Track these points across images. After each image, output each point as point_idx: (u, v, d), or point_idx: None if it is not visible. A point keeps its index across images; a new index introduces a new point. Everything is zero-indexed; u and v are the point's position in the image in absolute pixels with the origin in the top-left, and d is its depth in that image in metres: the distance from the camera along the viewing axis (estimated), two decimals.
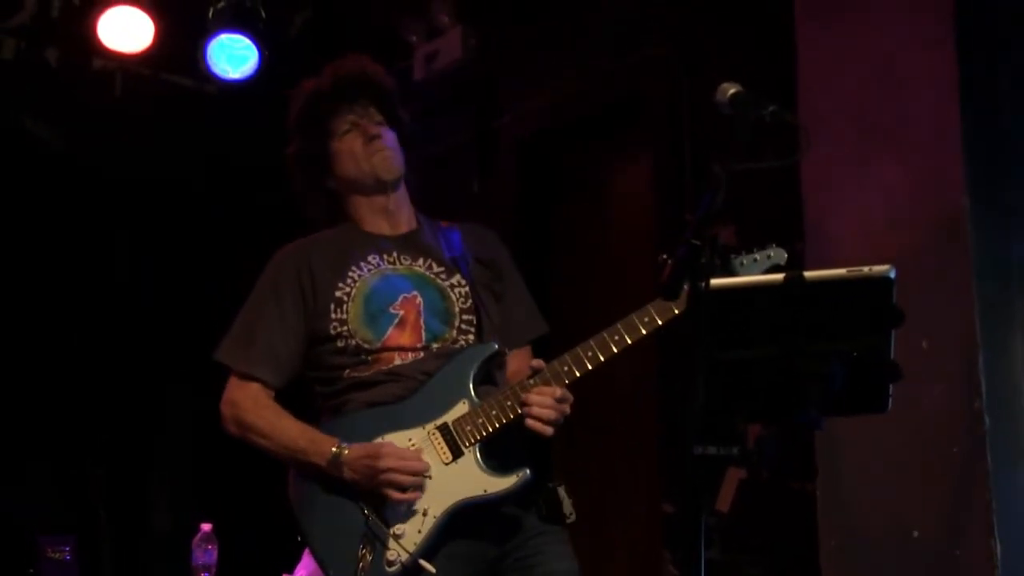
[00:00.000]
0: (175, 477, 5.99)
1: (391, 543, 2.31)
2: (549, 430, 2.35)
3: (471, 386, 2.42)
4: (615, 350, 2.35)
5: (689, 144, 3.97)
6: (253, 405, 2.50)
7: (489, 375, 2.49)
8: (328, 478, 2.38)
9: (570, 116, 4.56)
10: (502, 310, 2.61)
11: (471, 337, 2.50)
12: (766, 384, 1.83)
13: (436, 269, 2.57)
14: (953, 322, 2.88)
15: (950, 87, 3.00)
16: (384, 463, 2.32)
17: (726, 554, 3.51)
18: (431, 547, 2.33)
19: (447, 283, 2.55)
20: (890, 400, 1.87)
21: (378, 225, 2.63)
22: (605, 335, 2.36)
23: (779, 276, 1.77)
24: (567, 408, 2.39)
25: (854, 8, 3.29)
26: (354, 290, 2.51)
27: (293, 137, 2.70)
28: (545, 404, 2.34)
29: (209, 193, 5.88)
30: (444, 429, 2.39)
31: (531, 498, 2.42)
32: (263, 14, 4.77)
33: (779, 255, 2.38)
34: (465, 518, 2.35)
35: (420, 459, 2.35)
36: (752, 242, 3.60)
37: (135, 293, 5.87)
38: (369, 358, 2.47)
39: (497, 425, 2.37)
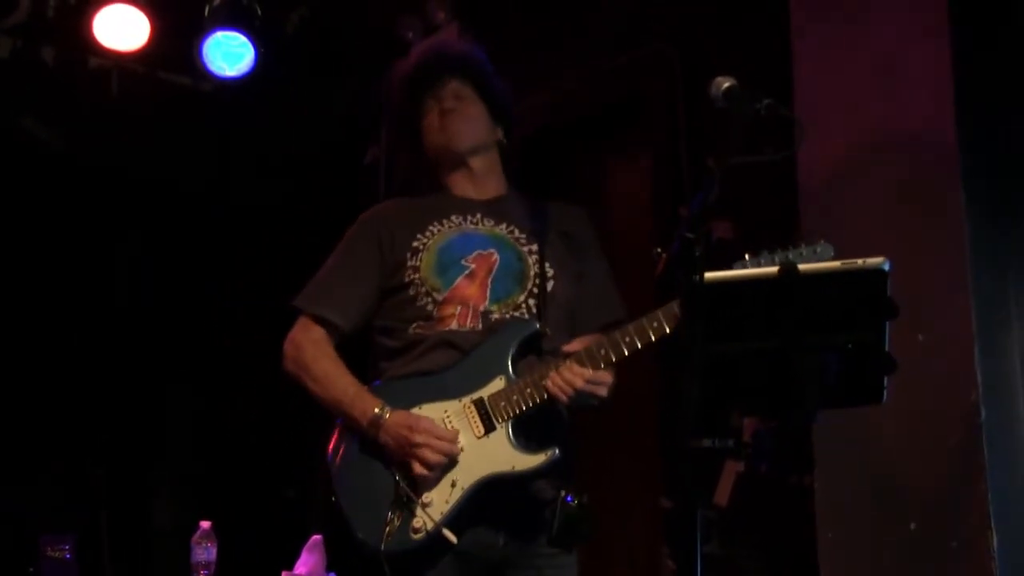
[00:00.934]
0: (175, 475, 6.00)
1: (419, 511, 2.36)
2: (563, 398, 2.37)
3: (509, 362, 2.45)
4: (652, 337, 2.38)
5: (688, 143, 3.97)
6: (313, 349, 2.59)
7: (529, 353, 2.51)
8: (365, 440, 2.46)
9: (568, 114, 4.55)
10: (580, 290, 2.64)
11: (535, 303, 2.53)
12: (762, 377, 1.84)
13: (517, 234, 2.63)
14: (949, 315, 2.89)
15: (946, 82, 3.00)
16: (418, 437, 2.38)
17: (723, 548, 3.51)
18: (456, 518, 2.38)
19: (525, 247, 2.60)
20: (886, 392, 1.88)
21: (464, 189, 2.71)
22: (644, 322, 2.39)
23: (773, 269, 1.77)
24: (598, 390, 2.42)
25: (850, 5, 3.30)
26: (431, 241, 2.58)
27: (391, 121, 2.84)
28: (568, 377, 2.36)
29: (207, 191, 5.88)
30: (480, 403, 2.44)
31: (548, 511, 2.43)
32: (259, 11, 4.77)
33: (826, 251, 2.35)
34: (490, 494, 2.39)
35: (454, 440, 2.40)
36: (748, 237, 3.62)
37: (135, 292, 5.88)
38: (435, 312, 2.52)
39: (530, 404, 2.40)
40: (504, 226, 2.64)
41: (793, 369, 1.77)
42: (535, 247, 2.60)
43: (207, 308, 6.04)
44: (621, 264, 4.35)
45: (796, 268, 1.77)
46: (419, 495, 2.38)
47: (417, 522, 2.36)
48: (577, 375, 2.36)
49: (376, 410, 2.44)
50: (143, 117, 5.30)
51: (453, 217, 2.63)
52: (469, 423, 2.43)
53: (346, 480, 2.48)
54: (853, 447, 3.06)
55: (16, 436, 5.34)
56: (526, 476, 2.39)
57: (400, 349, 2.55)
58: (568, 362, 2.38)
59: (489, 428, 2.41)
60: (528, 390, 2.40)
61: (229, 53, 4.78)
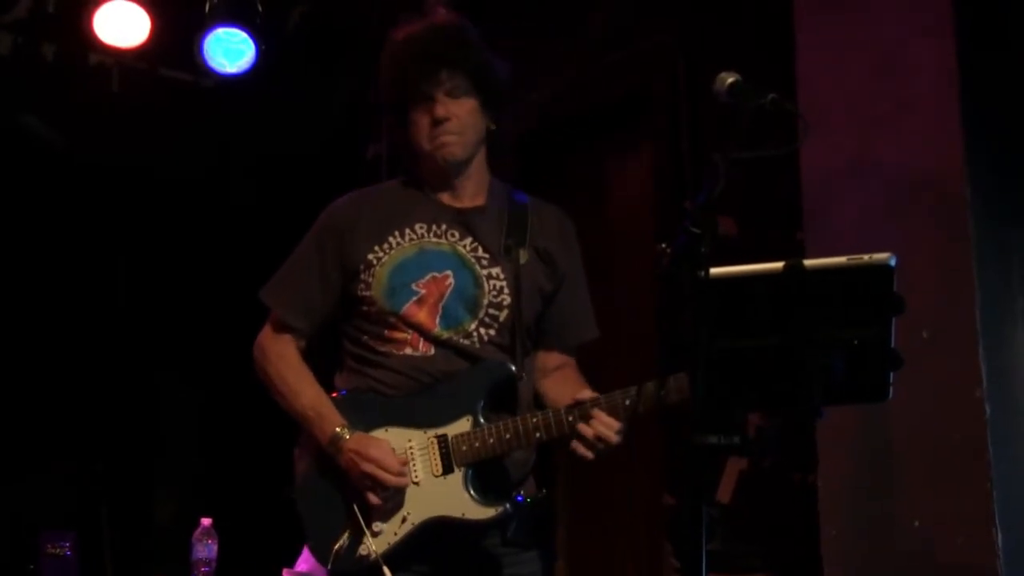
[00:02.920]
0: (176, 472, 5.99)
1: (366, 538, 2.36)
2: (590, 456, 2.32)
3: (479, 406, 2.41)
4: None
5: (690, 138, 3.96)
6: (278, 359, 2.56)
7: (501, 397, 2.46)
8: (328, 456, 2.43)
9: (570, 109, 4.54)
10: (553, 310, 2.57)
11: (492, 332, 2.47)
12: (766, 373, 1.83)
13: (480, 253, 2.51)
14: (953, 311, 2.88)
15: (950, 76, 2.99)
16: (365, 467, 2.35)
17: (727, 545, 3.51)
18: (401, 552, 2.37)
19: (486, 271, 2.49)
20: (891, 389, 1.87)
21: (440, 192, 2.58)
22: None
23: (779, 264, 1.76)
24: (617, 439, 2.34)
25: None
26: (387, 257, 2.49)
27: (379, 85, 2.64)
28: (603, 432, 2.29)
29: (207, 187, 5.87)
30: (443, 441, 2.39)
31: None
32: (260, 8, 4.76)
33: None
34: (439, 533, 2.38)
35: (401, 474, 2.36)
36: (751, 232, 3.61)
37: (134, 288, 5.87)
38: (388, 333, 2.48)
39: (491, 454, 2.37)
40: (469, 241, 2.52)
41: (798, 365, 1.76)
42: (497, 271, 2.49)
43: (208, 304, 6.03)
44: (621, 258, 4.37)
45: (801, 263, 1.76)
46: (370, 522, 2.37)
47: (363, 549, 2.36)
48: (610, 427, 2.29)
49: (337, 429, 2.41)
50: (143, 114, 5.29)
51: (417, 227, 2.52)
52: (430, 459, 2.39)
53: (308, 487, 2.49)
54: (856, 443, 3.05)
55: (16, 433, 5.33)
56: (474, 527, 2.37)
57: (364, 358, 2.52)
58: (596, 412, 2.29)
59: (447, 469, 2.38)
60: (491, 440, 2.36)
61: (230, 49, 4.77)
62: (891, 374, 1.82)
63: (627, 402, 2.28)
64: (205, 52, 4.74)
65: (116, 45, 4.74)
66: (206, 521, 3.70)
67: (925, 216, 2.99)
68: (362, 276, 2.49)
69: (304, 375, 2.55)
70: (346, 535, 2.38)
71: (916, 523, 2.91)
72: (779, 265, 1.77)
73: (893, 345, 1.79)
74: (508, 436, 2.35)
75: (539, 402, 2.57)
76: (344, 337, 2.59)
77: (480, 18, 4.81)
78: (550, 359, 2.60)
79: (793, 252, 2.58)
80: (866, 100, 3.18)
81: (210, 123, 5.43)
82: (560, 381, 2.57)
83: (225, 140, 5.54)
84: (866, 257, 1.76)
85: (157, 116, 5.34)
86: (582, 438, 2.30)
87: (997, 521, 2.76)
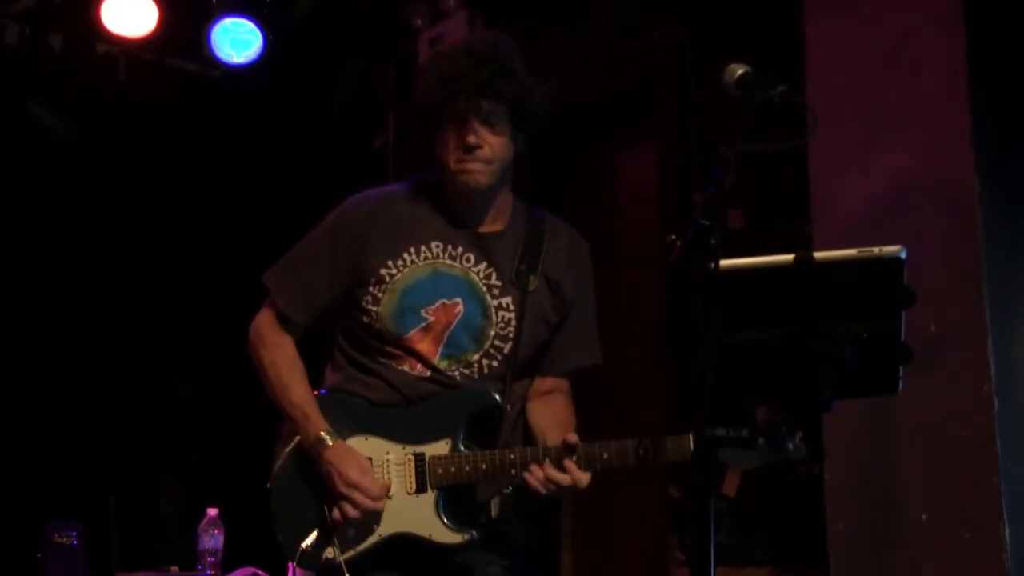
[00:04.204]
0: (182, 462, 6.00)
1: (335, 541, 2.39)
2: (542, 491, 2.32)
3: (461, 430, 2.41)
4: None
5: (697, 130, 3.95)
6: (274, 348, 2.55)
7: (483, 424, 2.46)
8: (307, 456, 2.44)
9: (576, 101, 4.52)
10: (556, 337, 2.56)
11: (495, 363, 2.47)
12: (776, 366, 1.82)
13: (493, 281, 2.49)
14: (962, 305, 2.87)
15: (960, 69, 2.98)
16: (342, 488, 2.37)
17: (733, 537, 3.50)
18: (366, 560, 2.39)
19: (495, 301, 2.48)
20: (900, 382, 1.86)
21: (460, 210, 2.53)
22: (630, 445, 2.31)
23: (789, 257, 1.75)
24: (570, 492, 2.36)
25: None
26: (399, 275, 2.47)
27: (417, 86, 2.56)
28: (555, 476, 2.30)
29: (214, 178, 5.87)
30: (420, 460, 2.41)
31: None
32: None
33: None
34: (405, 545, 2.40)
35: (379, 498, 2.37)
36: (759, 225, 3.60)
37: (141, 279, 5.87)
38: (386, 347, 2.48)
39: (464, 481, 2.38)
40: (483, 267, 2.49)
41: (808, 358, 1.75)
42: (507, 301, 2.48)
43: (214, 295, 6.03)
44: (629, 252, 4.37)
45: (812, 256, 1.75)
46: (339, 529, 2.39)
47: (329, 552, 2.39)
48: (570, 479, 2.29)
49: (321, 433, 2.41)
50: (151, 104, 5.29)
51: (433, 245, 2.49)
52: (405, 475, 2.41)
53: (283, 481, 2.49)
54: (863, 437, 3.04)
55: (23, 423, 5.34)
56: (439, 549, 2.38)
57: (358, 363, 2.53)
58: (568, 462, 2.29)
59: (421, 488, 2.39)
60: (467, 468, 2.36)
61: (237, 40, 4.77)
62: (901, 367, 1.81)
63: (605, 455, 2.29)
64: (212, 42, 4.73)
65: (123, 35, 4.74)
66: (212, 511, 3.71)
67: (934, 210, 2.99)
68: (371, 289, 2.48)
69: (296, 370, 2.54)
70: (314, 535, 2.40)
71: (924, 516, 2.91)
72: (789, 257, 1.77)
73: (903, 338, 1.79)
74: (484, 467, 2.36)
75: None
76: (340, 334, 2.58)
77: (489, 10, 4.84)
78: (543, 383, 2.59)
79: (800, 246, 2.57)
80: (875, 94, 3.17)
81: (217, 113, 5.43)
82: (545, 405, 2.56)
83: (232, 130, 5.54)
84: (876, 250, 1.75)
85: (164, 106, 5.34)
86: (543, 480, 2.30)
87: (1004, 515, 2.75)
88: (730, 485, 3.54)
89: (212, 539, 3.69)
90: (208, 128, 5.53)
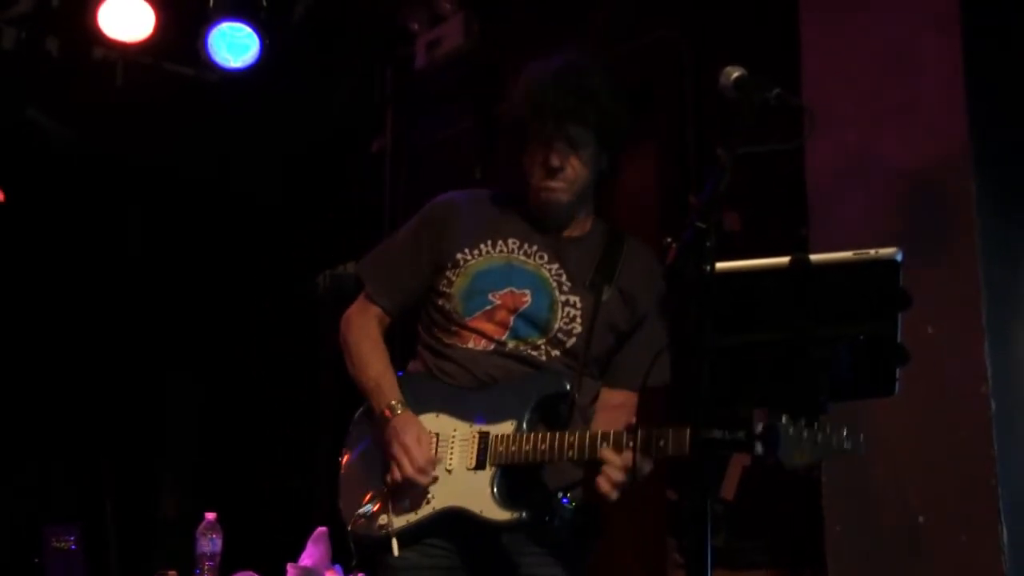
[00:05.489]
0: (180, 466, 6.00)
1: (389, 510, 2.45)
2: (614, 495, 2.32)
3: (527, 412, 2.45)
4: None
5: (695, 131, 3.95)
6: (360, 331, 2.69)
7: (552, 410, 2.49)
8: (378, 428, 2.53)
9: None
10: (624, 348, 2.59)
11: (558, 352, 2.52)
12: (772, 369, 1.82)
13: (563, 280, 2.57)
14: (959, 307, 2.87)
15: (956, 70, 2.98)
16: (394, 449, 2.44)
17: (731, 540, 3.50)
18: (419, 532, 2.45)
19: (563, 297, 2.55)
20: (897, 384, 1.86)
21: (541, 220, 2.63)
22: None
23: (785, 259, 1.75)
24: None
25: None
26: (474, 261, 2.59)
27: (507, 101, 2.64)
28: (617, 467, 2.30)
29: (211, 181, 5.87)
30: (484, 438, 2.45)
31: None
32: (264, 2, 4.76)
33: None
34: (459, 520, 2.43)
35: (423, 472, 2.42)
36: (756, 228, 3.60)
37: (139, 282, 5.87)
38: (454, 328, 2.57)
39: (524, 461, 2.40)
40: (556, 267, 2.58)
41: (805, 360, 1.75)
42: (576, 300, 2.55)
43: (213, 298, 6.03)
44: None
45: (808, 258, 1.75)
46: (396, 496, 2.45)
47: (383, 519, 2.45)
48: (624, 461, 2.30)
49: (392, 402, 2.51)
50: (148, 108, 5.29)
51: (510, 241, 2.60)
52: (468, 451, 2.46)
53: (353, 451, 2.61)
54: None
55: (22, 427, 5.34)
56: (488, 525, 2.40)
57: (431, 347, 2.62)
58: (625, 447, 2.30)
59: (480, 465, 2.44)
60: (527, 447, 2.39)
61: (234, 44, 4.77)
62: (898, 369, 1.81)
63: (661, 443, 2.26)
64: (209, 47, 4.73)
65: (120, 39, 4.74)
66: (210, 515, 3.69)
67: (931, 211, 2.99)
68: (447, 272, 2.60)
69: (377, 349, 2.66)
70: (373, 501, 2.47)
71: (921, 519, 2.91)
72: (785, 260, 1.77)
73: (900, 340, 1.78)
74: (543, 447, 2.38)
75: None
76: (421, 325, 2.70)
77: (487, 12, 4.84)
78: (613, 396, 2.61)
79: (797, 248, 2.56)
80: (872, 95, 3.18)
81: (214, 117, 5.43)
82: (612, 419, 2.54)
83: (230, 135, 5.54)
84: (873, 252, 1.75)
85: (161, 111, 5.35)
86: (606, 466, 2.30)
87: (1002, 518, 2.75)
88: (728, 488, 3.54)
89: (210, 543, 3.67)
90: (206, 132, 5.53)
